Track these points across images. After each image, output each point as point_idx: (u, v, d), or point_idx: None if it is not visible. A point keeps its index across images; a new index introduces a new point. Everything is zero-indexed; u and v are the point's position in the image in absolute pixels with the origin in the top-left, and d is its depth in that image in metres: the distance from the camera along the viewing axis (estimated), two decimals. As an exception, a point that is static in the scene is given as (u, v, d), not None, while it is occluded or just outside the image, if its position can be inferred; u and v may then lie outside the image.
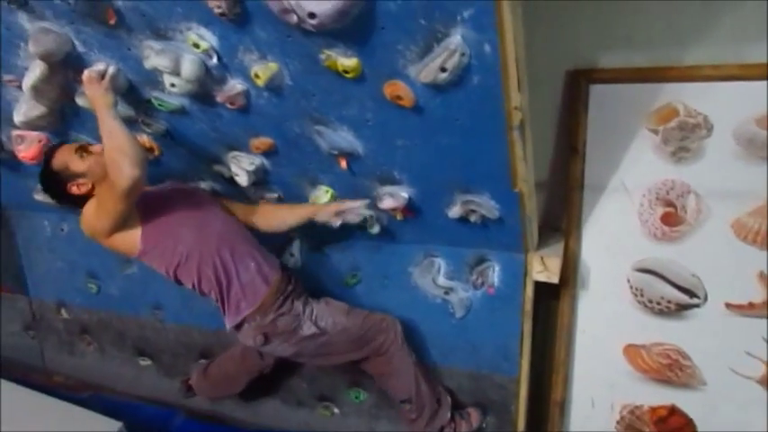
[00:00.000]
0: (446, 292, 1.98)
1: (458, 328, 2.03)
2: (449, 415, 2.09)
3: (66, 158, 1.74)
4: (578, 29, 1.80)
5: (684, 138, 1.80)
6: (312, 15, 1.19)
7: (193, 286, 1.83)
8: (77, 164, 1.73)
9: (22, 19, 1.58)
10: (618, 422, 2.09)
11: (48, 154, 1.79)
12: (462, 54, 1.23)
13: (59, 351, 3.02)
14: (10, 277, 2.89)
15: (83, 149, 1.75)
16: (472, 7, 1.14)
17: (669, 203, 1.86)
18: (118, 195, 1.62)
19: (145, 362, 2.74)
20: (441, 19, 1.19)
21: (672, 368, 1.97)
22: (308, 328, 1.88)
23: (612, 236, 1.95)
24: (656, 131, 1.83)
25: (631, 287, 1.96)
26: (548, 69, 1.85)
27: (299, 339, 1.88)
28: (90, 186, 1.76)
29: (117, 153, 1.57)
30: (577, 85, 1.87)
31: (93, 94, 1.62)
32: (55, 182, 1.77)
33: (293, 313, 1.87)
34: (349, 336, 1.94)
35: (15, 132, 2.13)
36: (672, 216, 1.87)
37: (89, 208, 1.76)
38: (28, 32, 1.61)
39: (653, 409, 2.03)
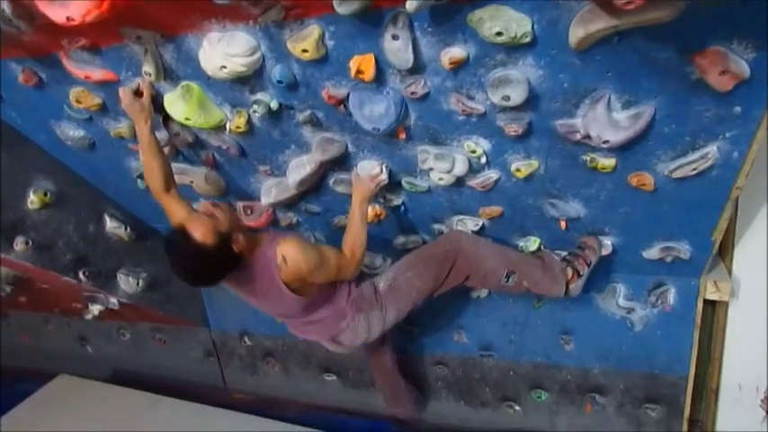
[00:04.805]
0: (628, 312, 2.38)
1: (635, 339, 2.43)
2: (557, 258, 2.14)
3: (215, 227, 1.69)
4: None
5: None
6: (606, 141, 1.55)
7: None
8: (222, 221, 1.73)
9: (305, 130, 1.91)
10: (762, 400, 2.54)
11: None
12: (713, 159, 1.59)
13: (241, 373, 3.42)
14: (192, 313, 3.28)
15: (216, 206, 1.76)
16: (736, 129, 1.49)
17: (814, 229, 2.26)
18: (336, 274, 1.91)
19: (330, 377, 3.13)
20: (704, 137, 1.54)
21: (813, 359, 2.40)
22: (383, 283, 2.09)
23: (762, 255, 2.35)
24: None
25: (777, 294, 2.38)
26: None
27: (383, 296, 2.07)
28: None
29: (359, 246, 1.95)
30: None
31: (362, 189, 1.99)
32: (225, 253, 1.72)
33: (365, 283, 2.11)
34: (420, 261, 2.09)
35: (242, 203, 2.49)
36: (817, 238, 2.26)
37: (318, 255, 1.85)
38: (305, 139, 1.95)
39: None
